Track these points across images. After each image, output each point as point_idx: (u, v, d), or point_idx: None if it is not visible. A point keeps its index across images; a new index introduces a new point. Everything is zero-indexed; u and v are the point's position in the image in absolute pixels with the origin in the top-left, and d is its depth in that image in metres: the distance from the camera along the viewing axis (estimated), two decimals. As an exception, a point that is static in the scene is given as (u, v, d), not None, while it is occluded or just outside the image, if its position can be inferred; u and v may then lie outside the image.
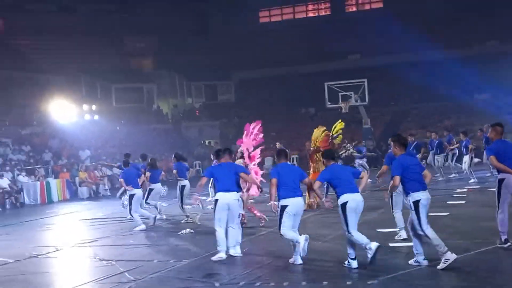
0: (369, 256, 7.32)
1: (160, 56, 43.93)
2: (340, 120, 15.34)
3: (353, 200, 7.47)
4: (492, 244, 8.04)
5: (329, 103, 31.74)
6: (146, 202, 13.69)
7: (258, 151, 11.44)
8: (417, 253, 7.29)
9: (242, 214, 9.65)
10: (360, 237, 7.40)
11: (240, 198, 9.11)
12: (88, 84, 39.58)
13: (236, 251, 8.68)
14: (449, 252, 6.97)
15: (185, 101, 44.79)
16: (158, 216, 13.45)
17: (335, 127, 14.94)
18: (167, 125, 40.65)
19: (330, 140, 14.46)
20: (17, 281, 8.20)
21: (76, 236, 12.37)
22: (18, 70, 35.35)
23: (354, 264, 7.42)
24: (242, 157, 11.60)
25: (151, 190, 13.85)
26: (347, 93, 31.01)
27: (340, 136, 15.13)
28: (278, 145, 22.91)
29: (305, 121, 36.05)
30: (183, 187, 13.29)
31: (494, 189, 8.21)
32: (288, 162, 8.73)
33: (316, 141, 14.32)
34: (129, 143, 31.62)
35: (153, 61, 44.66)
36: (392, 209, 9.02)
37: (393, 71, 35.25)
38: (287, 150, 9.18)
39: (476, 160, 18.03)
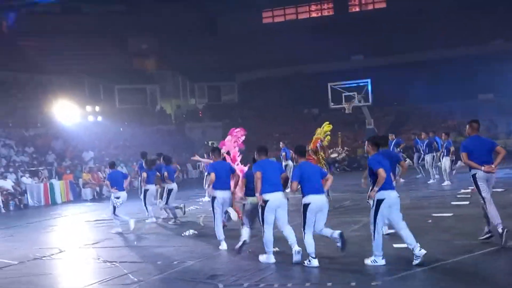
0: (339, 245, 7.78)
1: (163, 57, 43.95)
2: (327, 122, 15.27)
3: (316, 202, 7.73)
4: (496, 245, 8.03)
5: (332, 104, 31.76)
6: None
7: (236, 150, 11.45)
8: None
9: (238, 214, 9.72)
10: (308, 244, 7.67)
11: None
12: (92, 85, 39.57)
13: (223, 247, 9.40)
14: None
15: (188, 102, 44.82)
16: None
17: (322, 128, 14.88)
18: (171, 126, 40.64)
19: (320, 144, 14.44)
20: (21, 283, 8.21)
21: (80, 237, 12.37)
22: (21, 71, 35.32)
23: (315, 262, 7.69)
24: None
25: (146, 191, 13.91)
26: (350, 93, 31.03)
27: (328, 137, 15.07)
28: (282, 144, 23.04)
29: (308, 121, 35.96)
30: (170, 190, 13.45)
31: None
32: (269, 159, 8.93)
33: (311, 142, 14.30)
34: (132, 144, 31.67)
35: (156, 62, 44.58)
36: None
37: (397, 71, 35.20)
38: (267, 147, 9.32)
39: (459, 163, 17.37)
